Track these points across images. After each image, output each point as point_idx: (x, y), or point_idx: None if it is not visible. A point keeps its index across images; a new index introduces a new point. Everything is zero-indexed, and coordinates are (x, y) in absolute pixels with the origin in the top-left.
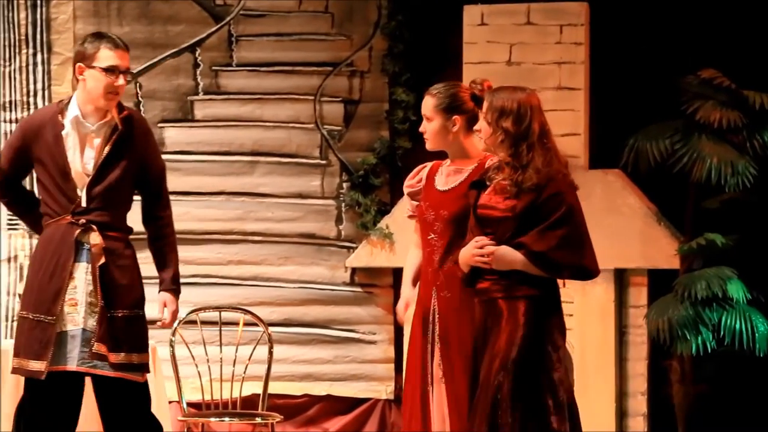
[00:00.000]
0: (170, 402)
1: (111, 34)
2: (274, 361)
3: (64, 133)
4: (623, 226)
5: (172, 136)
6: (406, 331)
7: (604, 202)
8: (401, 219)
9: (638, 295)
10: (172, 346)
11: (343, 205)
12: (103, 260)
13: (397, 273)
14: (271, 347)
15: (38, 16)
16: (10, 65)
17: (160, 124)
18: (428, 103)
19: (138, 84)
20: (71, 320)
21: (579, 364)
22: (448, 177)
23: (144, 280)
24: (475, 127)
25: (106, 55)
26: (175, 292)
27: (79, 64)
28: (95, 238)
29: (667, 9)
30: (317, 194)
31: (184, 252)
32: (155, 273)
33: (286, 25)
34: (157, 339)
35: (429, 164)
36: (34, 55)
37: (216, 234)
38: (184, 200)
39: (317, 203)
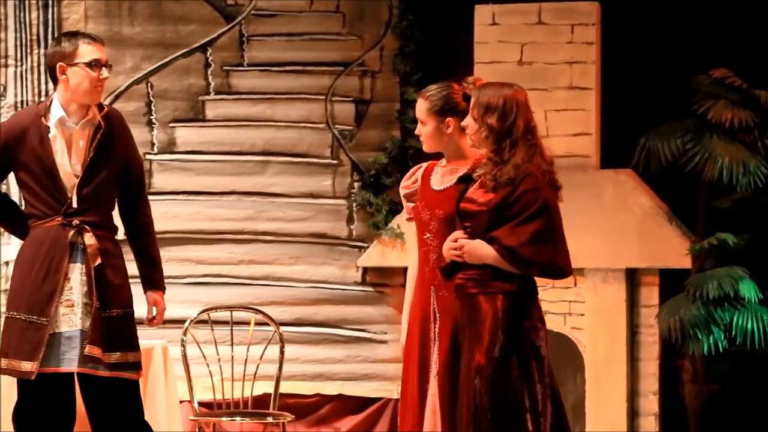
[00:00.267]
0: (181, 402)
1: (84, 31)
2: (285, 361)
3: (51, 135)
4: (635, 225)
5: (184, 135)
6: None
7: (616, 202)
8: None
9: (650, 294)
10: (183, 345)
11: (354, 204)
12: (99, 261)
13: None
14: (282, 347)
15: (50, 16)
16: (21, 65)
17: (171, 124)
18: (421, 107)
19: (149, 84)
20: (67, 321)
21: (591, 364)
22: (443, 177)
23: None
24: (462, 123)
25: (87, 50)
26: (163, 290)
27: (59, 63)
28: (90, 238)
29: (679, 8)
30: (328, 194)
31: (195, 251)
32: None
33: (298, 24)
34: (168, 338)
35: (424, 165)
36: (46, 55)
37: (227, 234)
38: (196, 200)
39: (328, 203)
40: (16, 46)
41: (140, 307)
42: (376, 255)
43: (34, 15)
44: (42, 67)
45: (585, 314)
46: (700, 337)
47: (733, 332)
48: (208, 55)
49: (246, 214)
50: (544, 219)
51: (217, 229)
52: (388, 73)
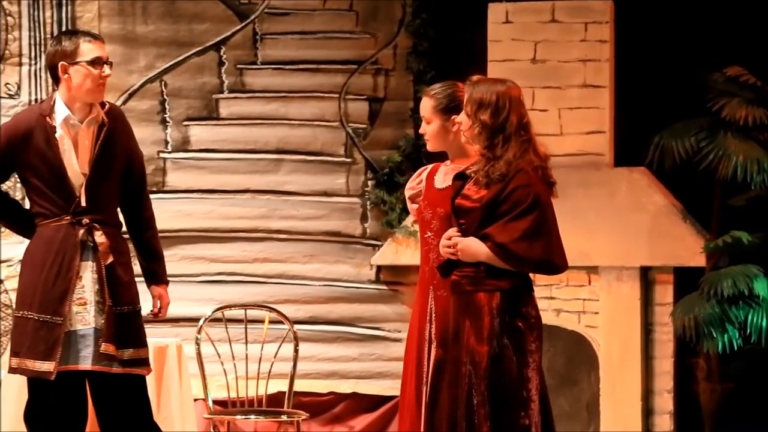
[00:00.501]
0: (196, 400)
1: (83, 30)
2: (299, 359)
3: (57, 135)
4: (649, 223)
5: (197, 134)
6: None
7: (630, 200)
8: None
9: (664, 292)
10: (197, 343)
11: (368, 202)
12: (111, 259)
13: None
14: (296, 345)
15: (63, 15)
16: (35, 64)
17: (185, 122)
18: (426, 105)
19: (163, 82)
20: (81, 320)
21: (605, 362)
22: (446, 175)
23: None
24: (456, 119)
25: (88, 48)
26: (167, 283)
27: (61, 63)
28: (100, 237)
29: (692, 6)
30: (342, 192)
31: (209, 250)
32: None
33: (311, 23)
34: (182, 337)
35: (429, 166)
36: (46, 54)
37: (241, 232)
38: (210, 198)
39: (342, 201)
40: (30, 44)
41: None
42: (390, 253)
43: (48, 14)
44: None
45: (599, 312)
46: (714, 335)
47: (748, 330)
48: (221, 53)
49: (260, 213)
50: (535, 215)
51: (231, 227)
52: (402, 72)
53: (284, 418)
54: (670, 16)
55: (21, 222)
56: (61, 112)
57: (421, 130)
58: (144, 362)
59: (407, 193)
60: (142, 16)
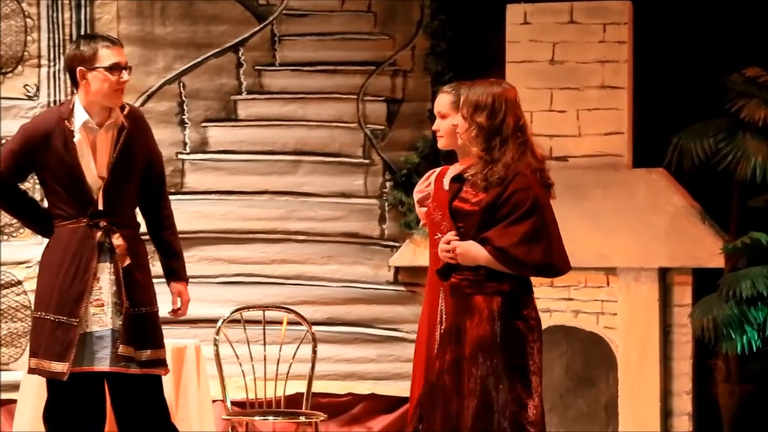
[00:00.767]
0: (214, 401)
1: (103, 34)
2: (317, 360)
3: (76, 140)
4: (667, 225)
5: (216, 135)
6: None
7: (648, 201)
8: None
9: (683, 294)
10: (216, 345)
11: (386, 204)
12: (128, 261)
13: None
14: (314, 346)
15: (82, 17)
16: (54, 65)
17: (203, 124)
18: (444, 100)
19: (181, 83)
20: (98, 321)
21: (623, 363)
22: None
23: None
24: (434, 127)
25: (106, 54)
26: (186, 281)
27: (79, 68)
28: (118, 239)
29: (711, 7)
30: (360, 193)
31: (227, 251)
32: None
33: (329, 24)
34: (201, 338)
35: (438, 169)
36: (65, 57)
37: (259, 233)
38: (228, 199)
39: (360, 202)
40: (49, 46)
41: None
42: (408, 254)
43: (66, 15)
44: None
45: (618, 314)
46: (733, 336)
47: (767, 331)
48: (240, 54)
49: (278, 214)
50: (535, 218)
51: (249, 228)
52: (420, 73)
53: (302, 419)
54: (689, 17)
55: (39, 221)
56: (80, 116)
57: (434, 127)
58: (162, 363)
59: (416, 196)
60: (161, 18)
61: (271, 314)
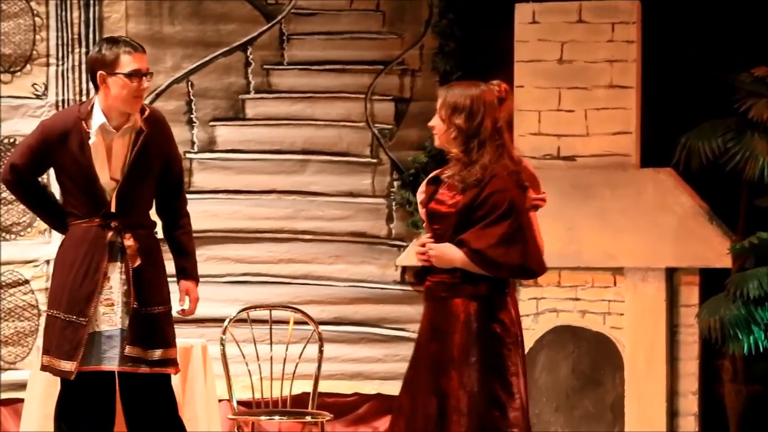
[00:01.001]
0: (220, 400)
1: (125, 38)
2: (324, 360)
3: (91, 142)
4: (675, 224)
5: (224, 134)
6: None
7: (656, 201)
8: None
9: (690, 294)
10: (222, 344)
11: (393, 203)
12: (139, 262)
13: None
14: (321, 346)
15: (91, 15)
16: (63, 64)
17: (211, 123)
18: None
19: (190, 82)
20: (107, 321)
21: (630, 363)
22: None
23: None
24: (430, 124)
25: (127, 61)
26: (196, 280)
27: (99, 72)
28: (129, 240)
29: (720, 6)
30: (368, 193)
31: (235, 250)
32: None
33: (337, 23)
34: (207, 337)
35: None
36: (87, 54)
37: (267, 232)
38: (235, 199)
39: (368, 202)
40: (57, 45)
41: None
42: (415, 254)
43: (75, 14)
44: (83, 66)
45: (624, 314)
46: (740, 336)
47: None
48: (248, 53)
49: (285, 213)
50: (512, 220)
51: (256, 227)
52: (428, 72)
53: (308, 419)
54: (698, 17)
55: (55, 216)
56: (97, 118)
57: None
58: (172, 362)
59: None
60: (169, 17)
61: (277, 314)
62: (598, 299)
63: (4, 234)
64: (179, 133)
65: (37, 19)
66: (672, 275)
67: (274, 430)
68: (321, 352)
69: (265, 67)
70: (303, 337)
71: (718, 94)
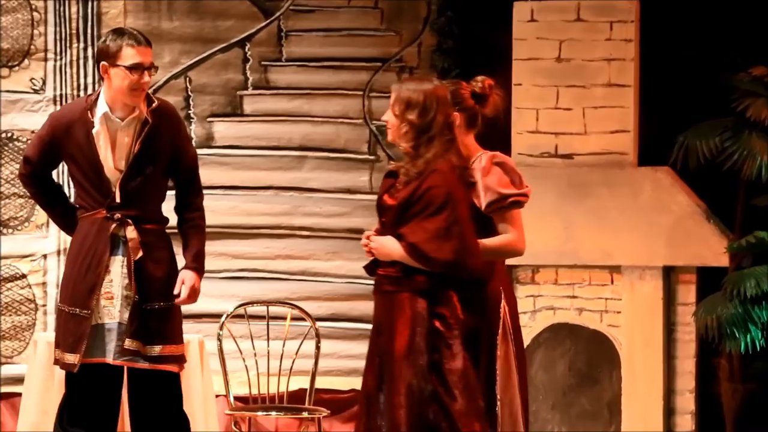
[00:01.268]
0: (217, 396)
1: (132, 30)
2: (321, 356)
3: (94, 131)
4: (672, 223)
5: (221, 130)
6: None
7: (653, 200)
8: None
9: (687, 292)
10: (219, 340)
11: None
12: (140, 254)
13: None
14: (318, 342)
15: (89, 11)
16: (61, 59)
17: (209, 119)
18: None
19: (188, 78)
20: (108, 313)
21: (627, 361)
22: None
23: None
24: (383, 118)
25: (129, 53)
26: (197, 270)
27: (102, 62)
28: (131, 232)
29: (718, 6)
30: (365, 189)
31: (232, 246)
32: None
33: (336, 20)
34: (204, 333)
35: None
36: (85, 49)
37: (264, 228)
38: (233, 194)
39: (365, 198)
40: (55, 40)
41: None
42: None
43: (74, 9)
44: (81, 61)
45: (622, 312)
46: (737, 335)
47: None
48: (246, 50)
49: (283, 209)
50: (446, 215)
51: (253, 223)
52: (426, 69)
53: (305, 415)
54: (696, 16)
55: (64, 215)
56: (101, 107)
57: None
58: (174, 359)
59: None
60: (168, 13)
61: (274, 309)
62: (595, 297)
63: (1, 228)
64: None
65: (35, 13)
66: (669, 273)
67: (271, 426)
68: (318, 348)
69: (263, 63)
70: (300, 333)
71: (715, 93)
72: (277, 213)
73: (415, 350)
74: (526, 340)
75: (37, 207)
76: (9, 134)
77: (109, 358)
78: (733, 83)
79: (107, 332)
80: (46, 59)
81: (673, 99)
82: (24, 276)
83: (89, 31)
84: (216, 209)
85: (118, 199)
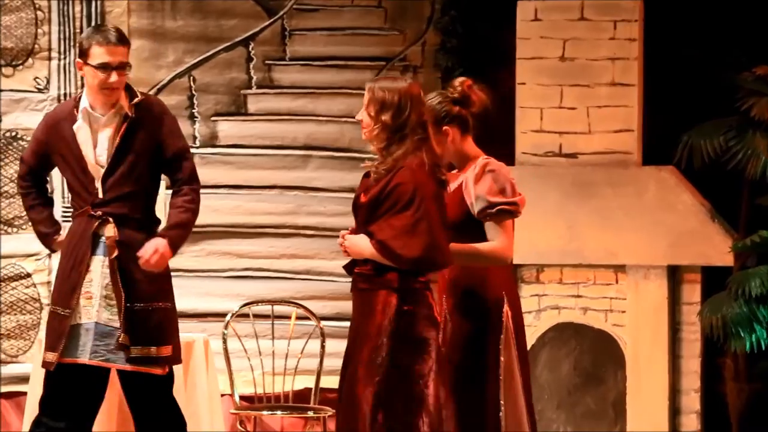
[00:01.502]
0: (222, 395)
1: (107, 28)
2: (326, 355)
3: (75, 126)
4: (677, 222)
5: (225, 129)
6: None
7: (658, 199)
8: None
9: (692, 292)
10: (224, 339)
11: None
12: (116, 253)
13: None
14: (323, 341)
15: (93, 10)
16: (65, 58)
17: (213, 118)
18: None
19: (192, 77)
20: (86, 313)
21: (632, 361)
22: (450, 184)
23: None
24: (357, 117)
25: (98, 53)
26: (167, 237)
27: (77, 59)
28: (110, 230)
29: (722, 5)
30: None
31: (236, 245)
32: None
33: (340, 19)
34: (209, 332)
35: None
36: None
37: (268, 228)
38: (237, 194)
39: None
40: (59, 39)
41: (190, 300)
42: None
43: (77, 8)
44: None
45: (626, 311)
46: (742, 334)
47: None
48: (250, 49)
49: (287, 209)
50: (412, 212)
51: (258, 223)
52: (430, 68)
53: (310, 414)
54: (700, 15)
55: (44, 224)
56: (83, 103)
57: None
58: (154, 360)
59: None
60: (171, 12)
61: (279, 309)
62: (600, 296)
63: (6, 227)
64: (181, 127)
65: (39, 12)
66: (674, 273)
67: (276, 425)
68: (323, 347)
69: (267, 62)
70: (305, 332)
71: (719, 92)
72: (281, 212)
73: (385, 350)
74: (531, 340)
75: None
76: (13, 133)
77: (86, 358)
78: (737, 82)
79: (85, 332)
80: (50, 58)
81: (678, 98)
82: (29, 275)
83: None
84: (220, 208)
85: (100, 195)
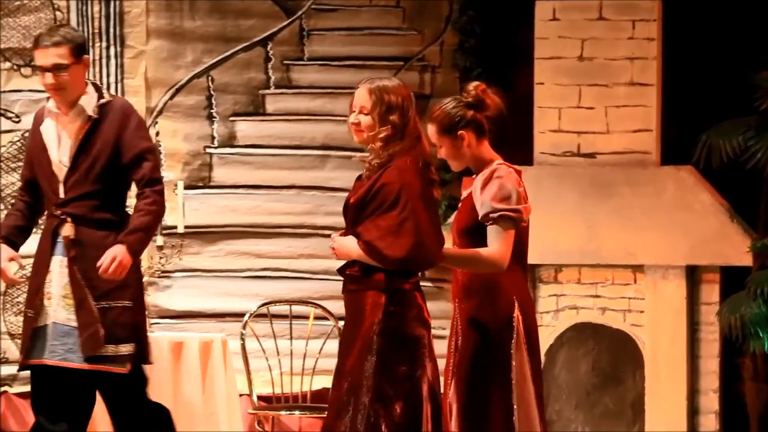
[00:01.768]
0: (241, 395)
1: (47, 30)
2: None
3: (42, 128)
4: (695, 222)
5: (244, 129)
6: None
7: (676, 199)
8: None
9: (710, 292)
10: (242, 339)
11: None
12: (73, 253)
13: None
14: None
15: (111, 10)
16: None
17: (231, 118)
18: (431, 131)
19: (210, 77)
20: (46, 314)
21: (650, 361)
22: (464, 189)
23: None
24: (351, 120)
25: (36, 55)
26: (125, 243)
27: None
28: (67, 230)
29: (740, 4)
30: None
31: (254, 245)
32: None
33: (358, 19)
34: (227, 332)
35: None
36: (107, 48)
37: (286, 228)
38: (255, 194)
39: None
40: None
41: (208, 300)
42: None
43: (96, 8)
44: (104, 60)
45: (645, 311)
46: (761, 334)
47: None
48: (268, 49)
49: (305, 209)
50: (398, 211)
51: (276, 223)
52: (448, 68)
53: None
54: (719, 14)
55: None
56: (50, 103)
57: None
58: (113, 359)
59: None
60: (190, 12)
61: (297, 309)
62: (619, 296)
63: None
64: (199, 128)
65: (57, 13)
66: (692, 273)
67: (295, 425)
68: None
69: (285, 62)
70: (323, 332)
71: (738, 92)
72: (299, 212)
73: (372, 351)
74: (549, 340)
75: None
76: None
77: (47, 358)
78: (755, 82)
79: (45, 332)
80: None
81: (696, 98)
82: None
83: (111, 30)
84: (238, 208)
85: (61, 195)
